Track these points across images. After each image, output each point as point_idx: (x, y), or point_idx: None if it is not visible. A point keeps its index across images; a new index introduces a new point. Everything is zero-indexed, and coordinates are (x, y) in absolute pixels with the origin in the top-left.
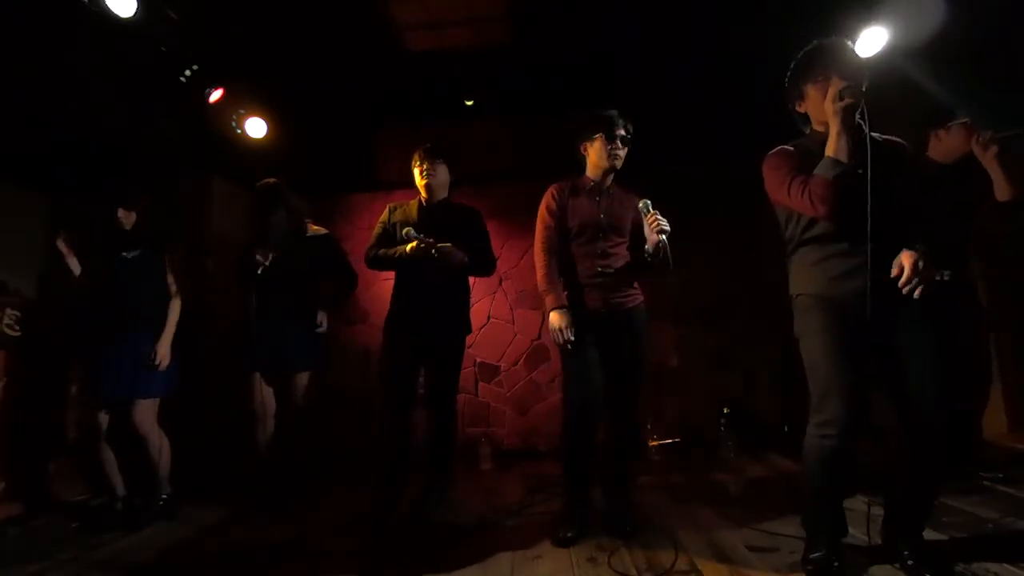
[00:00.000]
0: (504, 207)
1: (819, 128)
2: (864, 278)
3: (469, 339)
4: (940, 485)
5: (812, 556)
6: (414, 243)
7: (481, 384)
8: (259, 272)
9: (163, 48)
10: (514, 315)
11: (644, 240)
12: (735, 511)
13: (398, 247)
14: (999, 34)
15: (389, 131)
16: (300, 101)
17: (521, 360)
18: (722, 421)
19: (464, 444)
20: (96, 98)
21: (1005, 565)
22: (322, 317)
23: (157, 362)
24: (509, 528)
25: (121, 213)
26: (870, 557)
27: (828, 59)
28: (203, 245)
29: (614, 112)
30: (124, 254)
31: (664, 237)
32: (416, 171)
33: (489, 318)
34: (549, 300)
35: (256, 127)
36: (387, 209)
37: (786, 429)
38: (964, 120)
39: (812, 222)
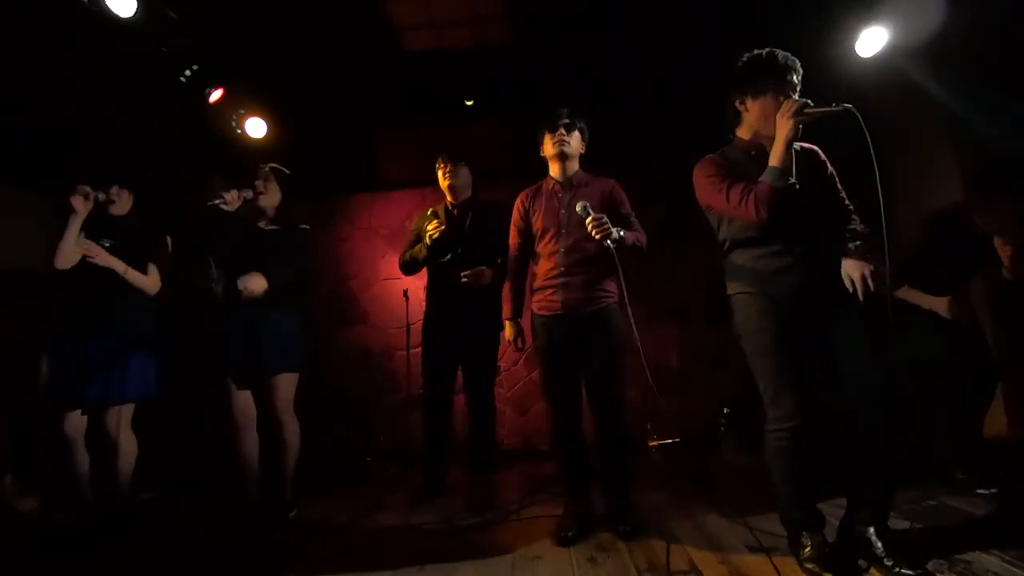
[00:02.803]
0: (504, 207)
1: (744, 134)
2: (796, 276)
3: None
4: (896, 477)
5: (806, 554)
6: (431, 230)
7: None
8: (223, 216)
9: (163, 48)
10: None
11: (623, 221)
12: (735, 511)
13: (417, 246)
14: (999, 34)
15: (389, 131)
16: (300, 101)
17: (521, 360)
18: (722, 421)
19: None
20: (96, 98)
21: (1006, 565)
22: (248, 281)
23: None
24: (509, 528)
25: (114, 191)
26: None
27: (792, 73)
28: (202, 245)
29: (559, 109)
30: (102, 243)
31: (610, 242)
32: (439, 174)
33: None
34: (504, 310)
35: (256, 127)
36: (418, 215)
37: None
38: (999, 240)
39: (744, 225)
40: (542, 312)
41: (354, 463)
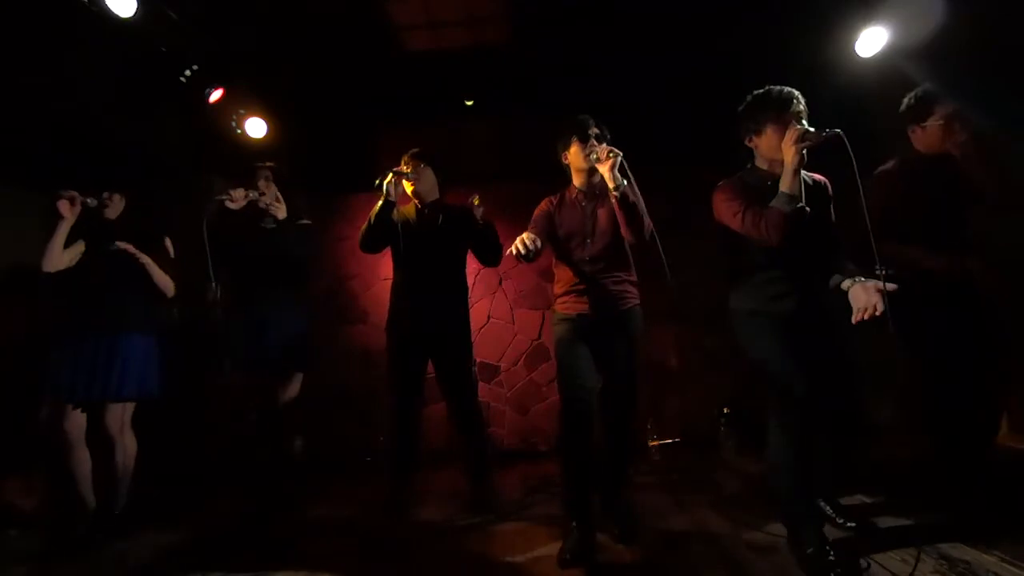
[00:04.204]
0: (504, 207)
1: (762, 165)
2: (794, 300)
3: None
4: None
5: (808, 552)
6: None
7: (481, 384)
8: (227, 213)
9: (163, 48)
10: (514, 315)
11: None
12: (735, 511)
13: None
14: (999, 34)
15: (389, 131)
16: (300, 101)
17: (521, 360)
18: (722, 421)
19: None
20: (96, 98)
21: (1006, 565)
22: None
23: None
24: (509, 528)
25: (106, 195)
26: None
27: (787, 103)
28: (202, 245)
29: (584, 116)
30: (107, 248)
31: (618, 178)
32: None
33: (489, 318)
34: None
35: (256, 127)
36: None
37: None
38: (940, 122)
39: (754, 250)
40: (567, 312)
41: (354, 463)
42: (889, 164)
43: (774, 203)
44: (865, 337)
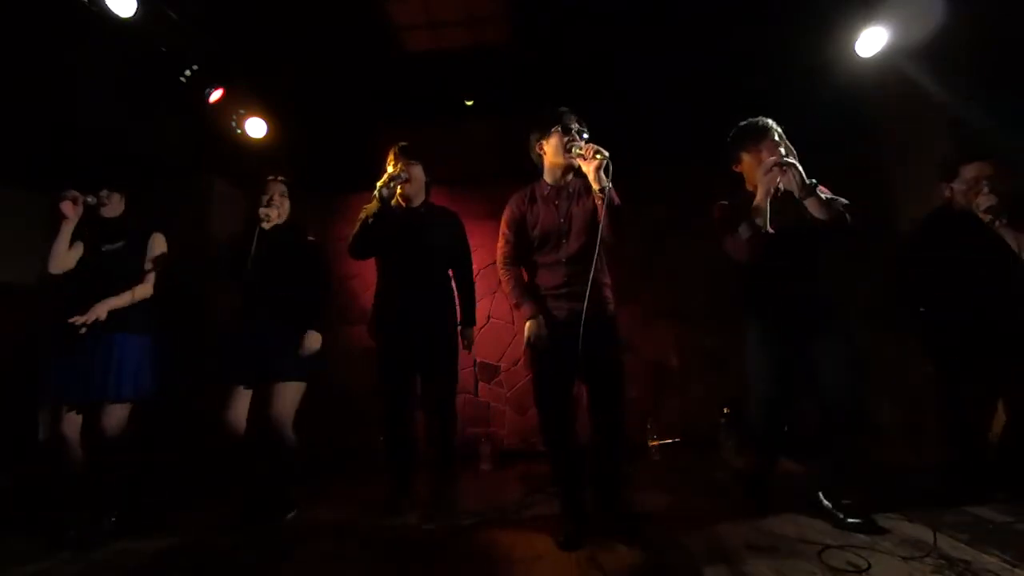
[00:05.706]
0: (503, 207)
1: (749, 187)
2: (795, 296)
3: None
4: (848, 458)
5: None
6: (383, 180)
7: (481, 384)
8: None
9: (163, 48)
10: (514, 315)
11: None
12: (735, 511)
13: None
14: (1000, 34)
15: (389, 131)
16: (300, 101)
17: (521, 360)
18: (722, 421)
19: (464, 444)
20: (96, 98)
21: (1005, 565)
22: (312, 340)
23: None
24: (509, 528)
25: (104, 194)
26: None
27: (762, 135)
28: (202, 245)
29: (565, 108)
30: (105, 247)
31: (604, 179)
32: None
33: (489, 318)
34: (525, 310)
35: (256, 127)
36: (364, 209)
37: (785, 428)
38: (963, 187)
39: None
40: (548, 319)
41: (354, 463)
42: (930, 213)
43: (740, 229)
44: (866, 337)
